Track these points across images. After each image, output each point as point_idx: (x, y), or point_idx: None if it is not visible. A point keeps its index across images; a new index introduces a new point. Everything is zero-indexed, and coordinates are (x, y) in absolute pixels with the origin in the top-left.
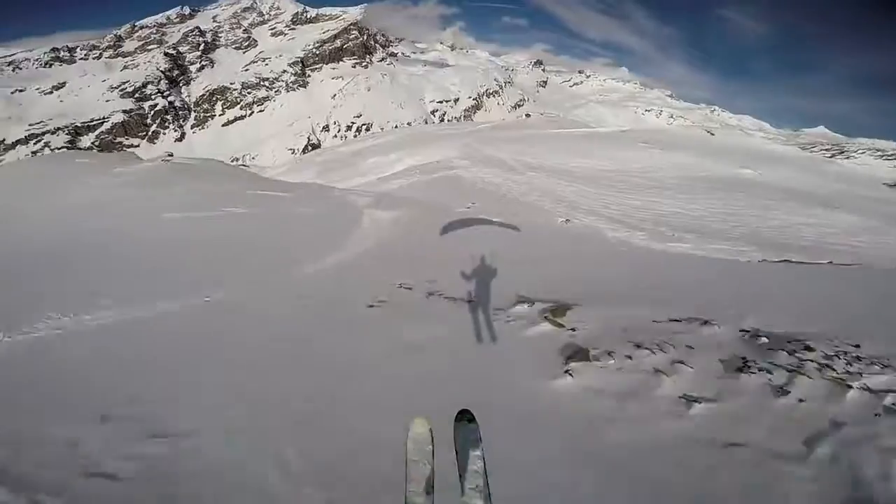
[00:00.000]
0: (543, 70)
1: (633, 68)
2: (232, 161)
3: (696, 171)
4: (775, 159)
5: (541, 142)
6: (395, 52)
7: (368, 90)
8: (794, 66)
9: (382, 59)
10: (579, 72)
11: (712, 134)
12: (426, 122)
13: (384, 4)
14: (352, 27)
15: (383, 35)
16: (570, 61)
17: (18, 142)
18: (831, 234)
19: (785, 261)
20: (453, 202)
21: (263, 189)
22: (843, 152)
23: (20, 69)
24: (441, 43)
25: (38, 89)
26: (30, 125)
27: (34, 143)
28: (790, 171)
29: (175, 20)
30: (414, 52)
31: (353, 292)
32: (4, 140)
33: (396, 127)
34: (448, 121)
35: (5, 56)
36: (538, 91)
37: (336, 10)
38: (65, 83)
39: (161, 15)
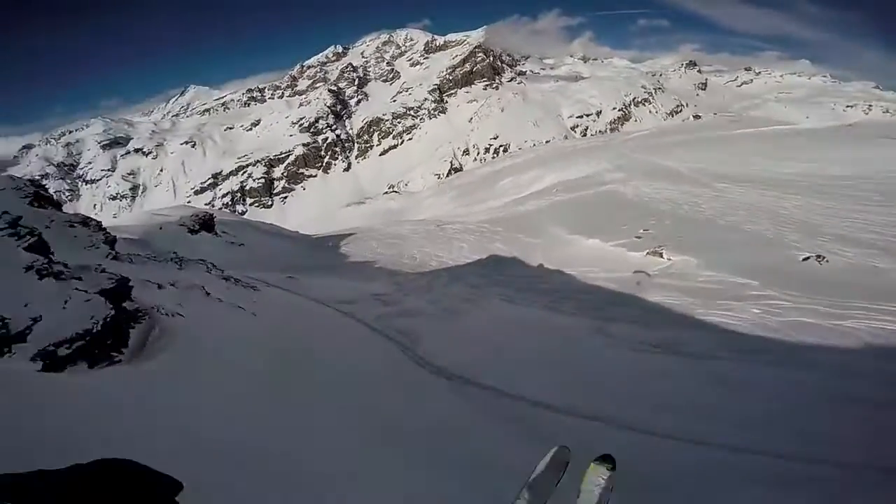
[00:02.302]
0: (699, 71)
1: (816, 60)
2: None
3: None
4: None
5: (721, 145)
6: (524, 69)
7: (502, 111)
8: None
9: (512, 78)
10: (746, 69)
11: None
12: (566, 139)
13: (504, 23)
14: (477, 50)
15: (508, 54)
16: (730, 59)
17: (231, 173)
18: None
19: None
20: (612, 226)
21: None
22: None
23: (228, 109)
24: (571, 56)
25: (242, 126)
26: (237, 158)
27: (241, 175)
28: None
29: (332, 59)
30: (543, 69)
31: None
32: (222, 171)
33: (534, 145)
34: (592, 135)
35: (219, 98)
36: (697, 94)
37: (459, 36)
38: (259, 120)
39: (321, 54)
